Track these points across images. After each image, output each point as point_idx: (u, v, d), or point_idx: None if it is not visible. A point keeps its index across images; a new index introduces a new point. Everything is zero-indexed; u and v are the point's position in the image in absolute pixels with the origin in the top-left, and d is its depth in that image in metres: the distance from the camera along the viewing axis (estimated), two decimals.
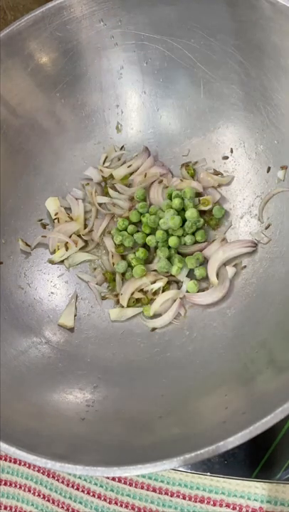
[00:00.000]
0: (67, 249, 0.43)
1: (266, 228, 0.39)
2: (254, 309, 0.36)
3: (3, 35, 0.39)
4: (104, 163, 0.45)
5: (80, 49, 0.41)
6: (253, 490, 0.36)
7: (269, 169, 0.39)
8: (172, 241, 0.40)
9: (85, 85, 0.43)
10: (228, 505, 0.36)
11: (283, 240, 0.37)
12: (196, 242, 0.41)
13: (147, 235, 0.42)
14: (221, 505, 0.36)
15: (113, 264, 0.42)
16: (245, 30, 0.36)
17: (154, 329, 0.39)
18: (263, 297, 0.36)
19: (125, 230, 0.42)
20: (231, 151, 0.42)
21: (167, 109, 0.44)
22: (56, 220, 0.44)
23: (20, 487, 0.42)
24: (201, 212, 0.41)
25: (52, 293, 0.42)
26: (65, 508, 0.40)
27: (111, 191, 0.44)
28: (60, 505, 0.40)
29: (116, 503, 0.39)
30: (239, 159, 0.41)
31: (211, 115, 0.42)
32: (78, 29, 0.40)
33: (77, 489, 0.40)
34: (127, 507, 0.38)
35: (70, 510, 0.40)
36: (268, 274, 0.37)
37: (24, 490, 0.42)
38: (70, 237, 0.43)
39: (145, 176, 0.43)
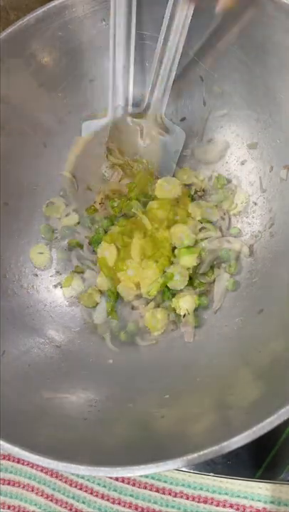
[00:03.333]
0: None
1: (269, 227, 0.39)
2: (257, 308, 0.36)
3: (6, 34, 0.39)
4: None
5: (82, 48, 0.41)
6: (257, 490, 0.36)
7: (272, 168, 0.39)
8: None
9: (87, 85, 0.43)
10: (231, 506, 0.36)
11: (286, 238, 0.37)
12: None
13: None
14: (224, 506, 0.36)
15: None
16: (248, 28, 0.36)
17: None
18: (266, 296, 0.36)
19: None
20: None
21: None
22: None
23: (23, 487, 0.42)
24: None
25: (55, 291, 0.42)
26: (68, 507, 0.40)
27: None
28: (63, 505, 0.40)
29: (119, 503, 0.39)
30: (241, 158, 0.41)
31: (213, 114, 0.42)
32: (80, 29, 0.40)
33: (80, 489, 0.40)
34: (130, 507, 0.38)
35: (73, 510, 0.40)
36: (271, 273, 0.37)
37: (27, 490, 0.42)
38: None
39: None
